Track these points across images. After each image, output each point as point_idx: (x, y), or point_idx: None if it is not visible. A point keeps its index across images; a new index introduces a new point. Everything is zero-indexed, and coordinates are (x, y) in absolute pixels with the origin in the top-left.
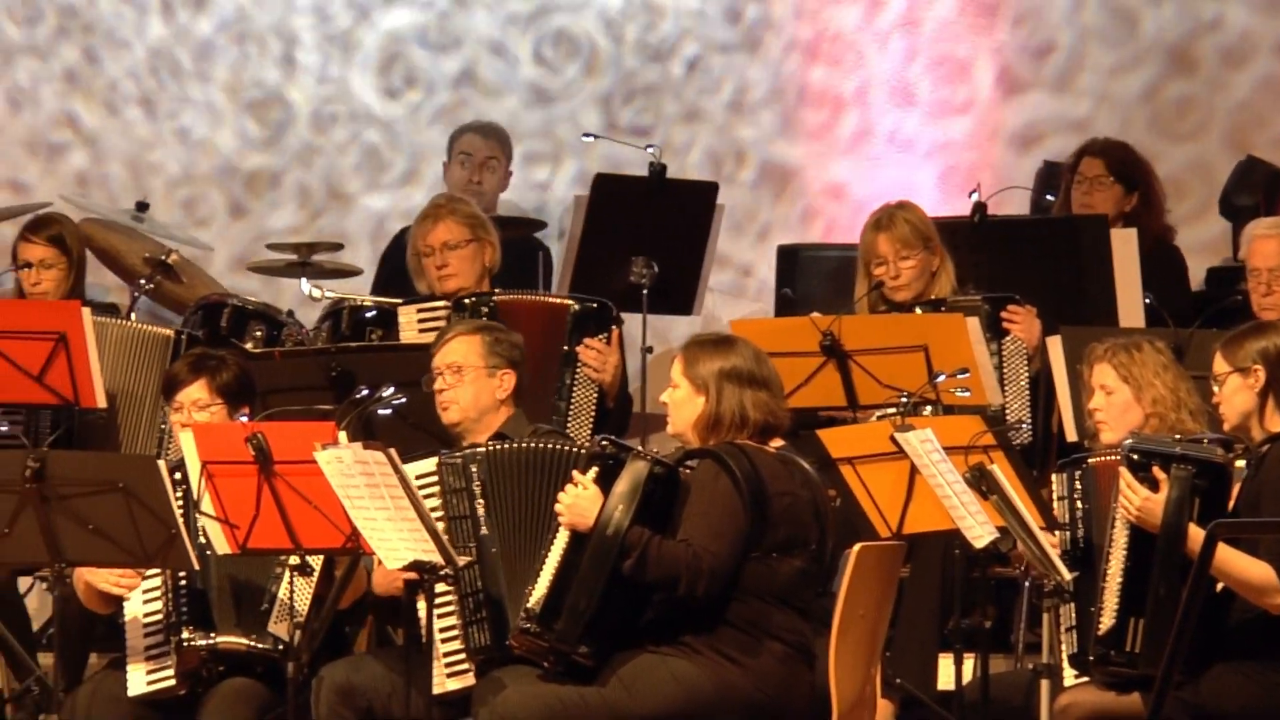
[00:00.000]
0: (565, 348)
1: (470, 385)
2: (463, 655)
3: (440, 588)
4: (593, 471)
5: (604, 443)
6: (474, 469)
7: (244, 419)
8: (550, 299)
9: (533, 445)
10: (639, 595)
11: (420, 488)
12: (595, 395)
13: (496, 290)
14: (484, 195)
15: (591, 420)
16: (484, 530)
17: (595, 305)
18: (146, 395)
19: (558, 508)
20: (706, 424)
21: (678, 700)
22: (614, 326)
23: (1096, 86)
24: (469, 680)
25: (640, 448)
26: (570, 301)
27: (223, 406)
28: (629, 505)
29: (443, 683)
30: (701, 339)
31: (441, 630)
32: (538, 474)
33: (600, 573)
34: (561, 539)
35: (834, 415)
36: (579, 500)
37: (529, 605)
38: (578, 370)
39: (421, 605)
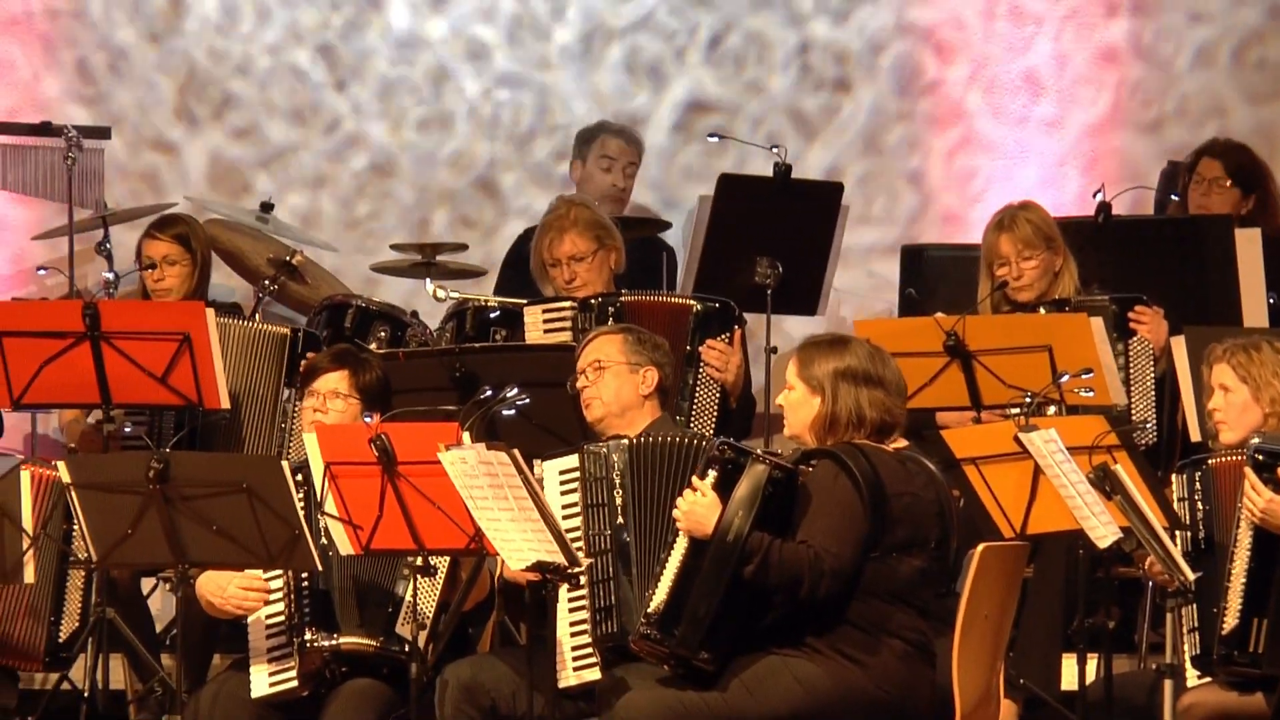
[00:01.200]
0: (688, 348)
1: (612, 380)
2: (589, 648)
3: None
4: (711, 476)
5: (722, 446)
6: (615, 459)
7: (368, 420)
8: (673, 299)
9: (674, 440)
10: (759, 598)
11: (563, 483)
12: (718, 395)
13: (623, 290)
14: (623, 200)
15: (714, 420)
16: (619, 519)
17: (718, 305)
18: (267, 395)
19: (675, 514)
20: (823, 425)
21: (800, 701)
22: (736, 326)
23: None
24: (595, 674)
25: (759, 450)
26: (693, 302)
27: (358, 404)
28: (748, 511)
29: (569, 676)
30: (816, 339)
31: (575, 624)
32: (677, 468)
33: (720, 579)
34: (681, 544)
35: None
36: (695, 507)
37: (649, 610)
38: (700, 370)
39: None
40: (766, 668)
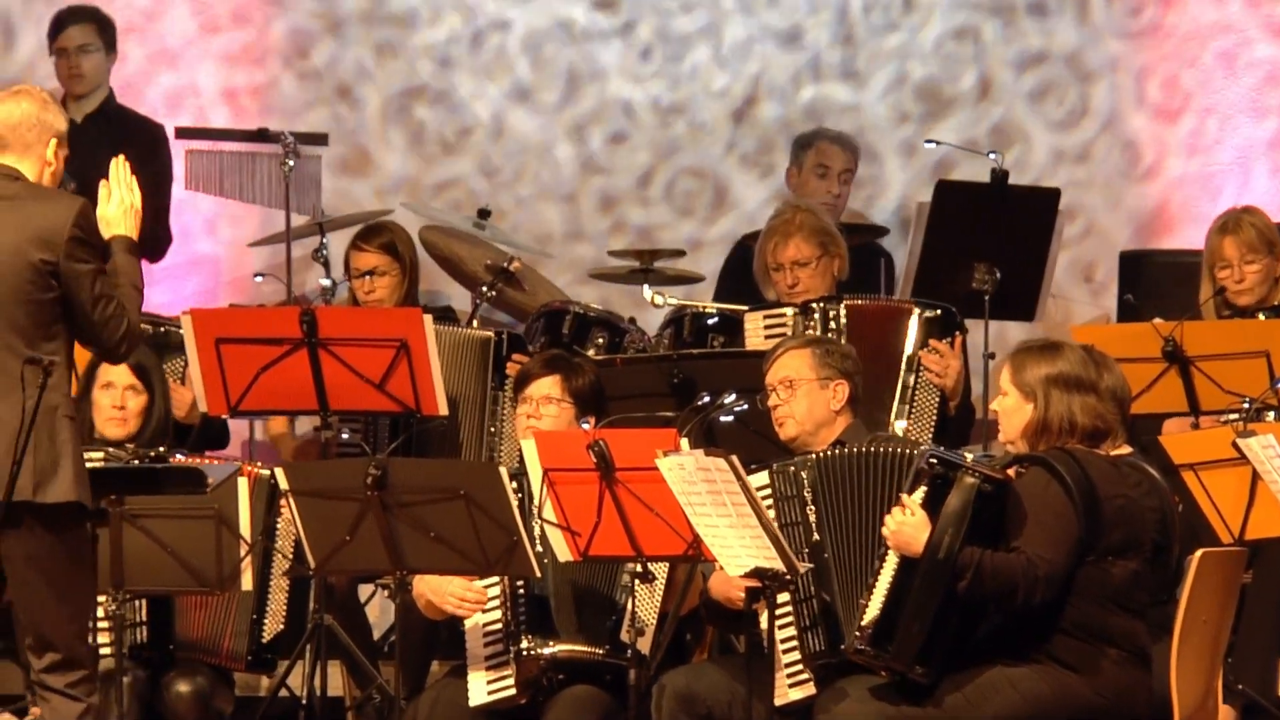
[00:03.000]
0: (908, 352)
1: (804, 398)
2: (802, 665)
3: (781, 598)
4: (919, 493)
5: (931, 460)
6: (804, 475)
7: (586, 426)
8: (896, 303)
9: (860, 450)
10: (974, 609)
11: None
12: (937, 400)
13: (844, 295)
14: (836, 210)
15: (932, 425)
16: (815, 536)
17: (940, 310)
18: (475, 399)
19: (884, 532)
20: (1035, 431)
21: (1019, 710)
22: (957, 332)
23: None
24: (810, 690)
25: (968, 459)
26: (915, 306)
27: (571, 408)
28: (959, 527)
29: (785, 693)
30: (1029, 345)
31: (783, 641)
32: (866, 478)
33: (932, 596)
34: (891, 560)
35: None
36: (904, 526)
37: (863, 624)
38: (920, 374)
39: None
40: (985, 678)
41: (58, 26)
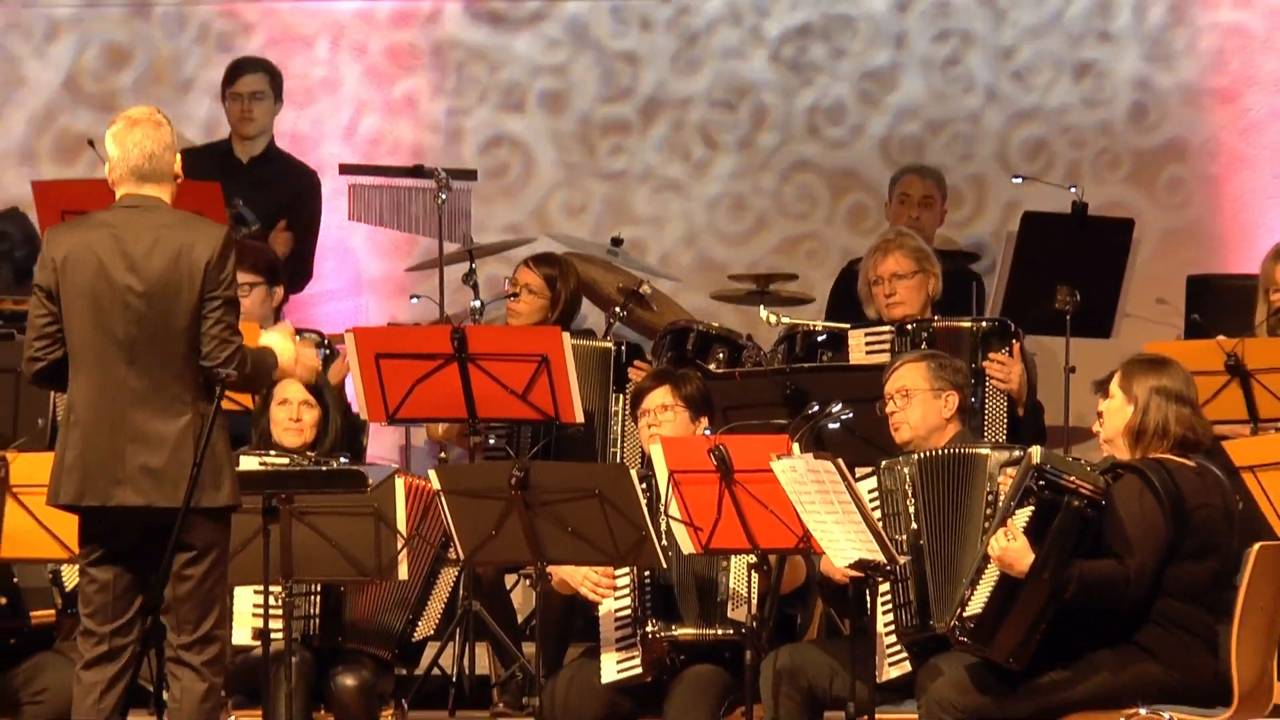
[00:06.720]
0: (973, 365)
1: (918, 406)
2: (899, 645)
3: (882, 586)
4: (1026, 511)
5: (1040, 482)
6: (906, 471)
7: (707, 433)
8: (961, 322)
9: (956, 451)
10: (1070, 612)
11: (870, 501)
12: (1005, 405)
13: (935, 316)
14: (921, 232)
15: (1005, 430)
16: (914, 525)
17: (996, 323)
18: (600, 406)
19: (989, 553)
20: (1132, 433)
21: (1102, 690)
22: (1014, 340)
23: None
24: (906, 668)
25: (1072, 477)
26: (970, 322)
27: (685, 411)
28: (1063, 550)
29: (885, 671)
30: (1141, 358)
31: (884, 624)
32: (961, 475)
33: (1033, 608)
34: (995, 567)
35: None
36: (1008, 551)
37: (965, 614)
38: (986, 384)
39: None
40: (1070, 665)
41: (234, 74)
